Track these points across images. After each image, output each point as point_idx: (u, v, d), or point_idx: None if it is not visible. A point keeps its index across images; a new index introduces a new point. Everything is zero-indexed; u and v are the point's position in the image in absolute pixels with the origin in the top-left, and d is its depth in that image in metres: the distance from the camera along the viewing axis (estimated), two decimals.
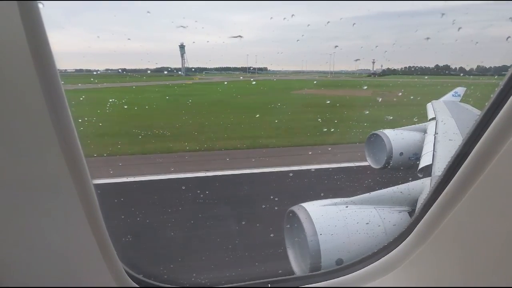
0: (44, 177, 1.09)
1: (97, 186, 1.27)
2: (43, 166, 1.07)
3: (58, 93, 1.02)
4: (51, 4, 1.04)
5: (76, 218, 1.20)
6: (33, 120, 1.01)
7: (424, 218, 1.70)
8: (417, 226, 1.76)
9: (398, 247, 1.88)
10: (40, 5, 0.94)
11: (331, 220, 3.42)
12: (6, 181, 1.04)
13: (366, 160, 8.00)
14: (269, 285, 1.91)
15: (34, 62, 0.94)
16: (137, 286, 1.60)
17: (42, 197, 1.11)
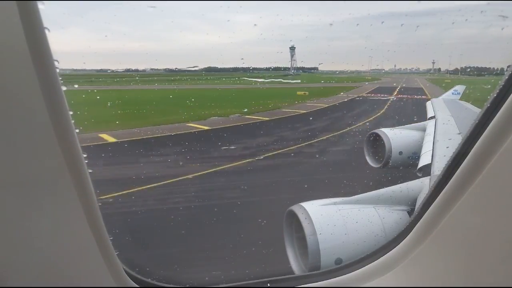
0: (43, 177, 1.09)
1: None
2: (42, 166, 1.07)
3: (57, 93, 1.02)
4: (51, 4, 1.04)
5: (75, 218, 1.20)
6: (33, 120, 1.01)
7: (423, 217, 1.70)
8: (416, 225, 1.76)
9: (397, 246, 1.88)
10: (39, 5, 0.93)
11: (330, 219, 3.42)
12: (5, 181, 1.04)
13: None
14: (269, 285, 1.91)
15: (33, 62, 0.94)
16: (137, 286, 1.60)
17: (41, 197, 1.11)
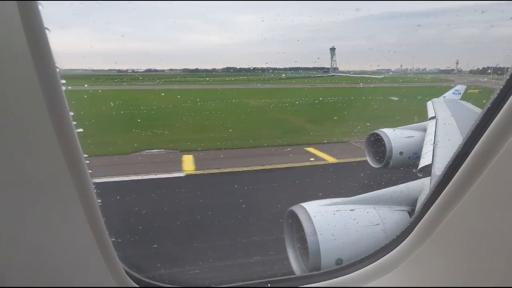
0: (44, 177, 1.09)
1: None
2: (43, 166, 1.07)
3: (58, 93, 1.02)
4: (52, 4, 1.04)
5: (76, 218, 1.20)
6: (33, 120, 1.01)
7: (424, 218, 1.70)
8: (417, 226, 1.76)
9: (398, 247, 1.88)
10: (40, 5, 0.93)
11: (330, 219, 3.42)
12: (5, 181, 1.04)
13: None
14: (269, 285, 1.91)
15: (34, 62, 0.94)
16: (137, 286, 1.60)
17: (42, 197, 1.11)
